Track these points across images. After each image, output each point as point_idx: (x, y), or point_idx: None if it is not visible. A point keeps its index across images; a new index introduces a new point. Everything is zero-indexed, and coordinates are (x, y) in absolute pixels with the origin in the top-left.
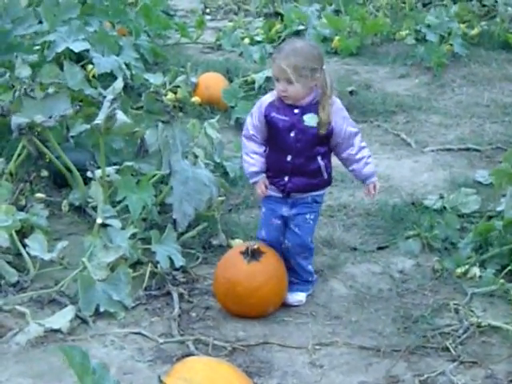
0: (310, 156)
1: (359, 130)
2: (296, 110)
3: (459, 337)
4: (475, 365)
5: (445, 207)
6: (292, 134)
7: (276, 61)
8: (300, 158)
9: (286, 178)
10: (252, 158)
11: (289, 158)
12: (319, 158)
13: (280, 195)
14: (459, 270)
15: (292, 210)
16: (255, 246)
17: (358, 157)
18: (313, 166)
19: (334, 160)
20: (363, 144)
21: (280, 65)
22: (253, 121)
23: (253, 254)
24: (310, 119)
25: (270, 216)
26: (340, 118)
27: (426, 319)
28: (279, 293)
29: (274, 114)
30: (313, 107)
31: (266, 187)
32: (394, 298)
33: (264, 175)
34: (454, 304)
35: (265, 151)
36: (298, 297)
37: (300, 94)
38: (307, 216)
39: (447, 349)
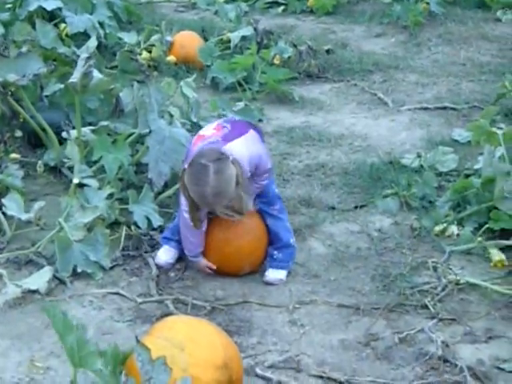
0: None
1: None
2: None
3: (438, 294)
4: (454, 322)
5: (422, 166)
6: None
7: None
8: None
9: None
10: (198, 239)
11: None
12: None
13: None
14: (437, 229)
15: None
16: None
17: None
18: None
19: (310, 119)
20: None
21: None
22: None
23: None
24: None
25: None
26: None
27: (405, 277)
28: (256, 253)
29: None
30: None
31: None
32: (373, 256)
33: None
34: (433, 262)
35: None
36: (278, 275)
37: (248, 204)
38: None
39: (426, 306)
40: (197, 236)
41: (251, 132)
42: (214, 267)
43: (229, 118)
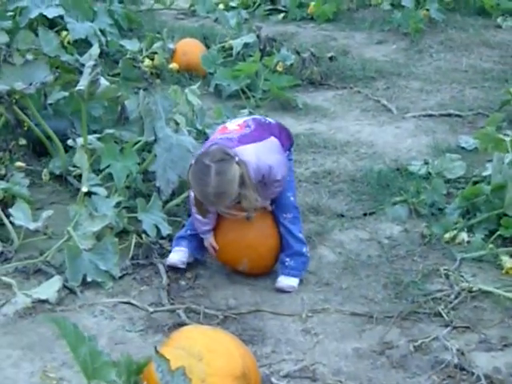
0: None
1: None
2: None
3: (451, 302)
4: (468, 330)
5: (430, 173)
6: None
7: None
8: None
9: None
10: (207, 217)
11: None
12: None
13: None
14: (447, 236)
15: None
16: None
17: None
18: None
19: (314, 126)
20: None
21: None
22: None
23: None
24: None
25: None
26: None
27: (417, 285)
28: (258, 249)
29: None
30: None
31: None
32: (384, 264)
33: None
34: (444, 269)
35: None
36: (290, 282)
37: (252, 197)
38: None
39: (439, 314)
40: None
41: (271, 140)
42: (217, 247)
43: (259, 118)
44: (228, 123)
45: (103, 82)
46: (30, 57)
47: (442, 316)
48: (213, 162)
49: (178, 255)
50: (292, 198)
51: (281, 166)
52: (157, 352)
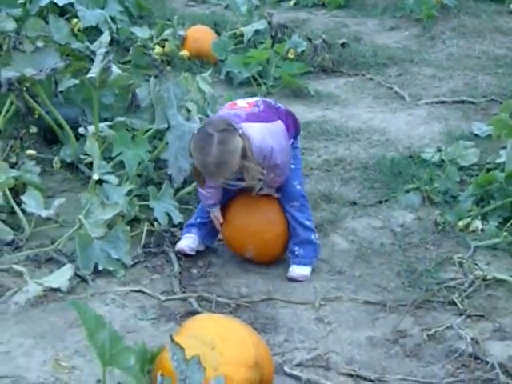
0: None
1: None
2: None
3: (465, 290)
4: (482, 318)
5: (443, 160)
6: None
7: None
8: None
9: None
10: (208, 191)
11: None
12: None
13: None
14: (461, 223)
15: None
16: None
17: None
18: None
19: (326, 113)
20: None
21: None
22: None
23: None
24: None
25: None
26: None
27: (431, 273)
28: (263, 235)
29: None
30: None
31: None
32: (397, 252)
33: (219, 206)
34: (458, 257)
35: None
36: (302, 271)
37: (255, 171)
38: None
39: (453, 302)
40: (208, 191)
41: (277, 123)
42: (221, 220)
43: (269, 101)
44: (238, 100)
45: (115, 69)
46: (40, 44)
47: (456, 304)
48: (215, 131)
49: (187, 241)
50: (299, 187)
51: (283, 151)
52: (172, 341)
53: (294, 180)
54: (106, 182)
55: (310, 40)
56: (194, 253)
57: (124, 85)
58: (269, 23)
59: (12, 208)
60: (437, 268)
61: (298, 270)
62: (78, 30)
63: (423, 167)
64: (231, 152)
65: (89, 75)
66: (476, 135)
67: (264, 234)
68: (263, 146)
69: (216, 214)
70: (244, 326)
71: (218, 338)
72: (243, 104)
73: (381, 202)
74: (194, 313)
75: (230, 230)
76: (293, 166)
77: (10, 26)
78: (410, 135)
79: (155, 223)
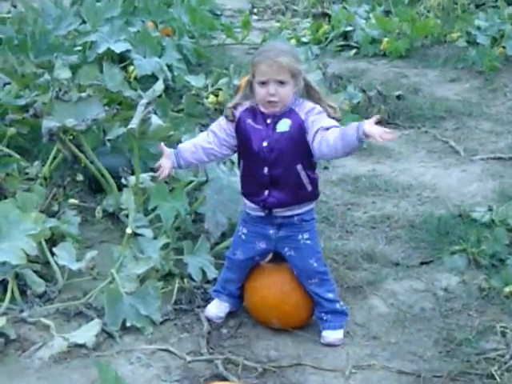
0: (288, 166)
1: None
2: (269, 120)
3: (505, 363)
4: None
5: (493, 220)
6: (265, 144)
7: (267, 61)
8: (277, 168)
9: (266, 193)
10: (193, 146)
11: (265, 170)
12: (299, 168)
13: (262, 213)
14: (507, 290)
15: (280, 232)
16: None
17: (329, 125)
18: (293, 177)
19: (377, 167)
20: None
21: (274, 64)
22: (220, 122)
23: (275, 259)
24: (282, 125)
25: (252, 238)
26: (311, 115)
27: (471, 342)
28: (282, 307)
29: (248, 121)
30: (285, 114)
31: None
32: (437, 318)
33: (174, 161)
34: (501, 327)
35: (238, 164)
36: (335, 335)
37: (289, 98)
38: (299, 237)
39: (492, 376)
40: (197, 143)
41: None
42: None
43: None
44: None
45: (155, 120)
46: (85, 94)
47: (495, 378)
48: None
49: (217, 310)
50: (315, 264)
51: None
52: None
53: (310, 258)
54: (142, 235)
55: (364, 91)
56: (221, 320)
57: (163, 136)
58: (323, 74)
59: (47, 259)
60: (478, 337)
61: (332, 336)
62: (135, 78)
63: (472, 227)
64: (298, 57)
65: (129, 126)
66: None
67: (282, 307)
68: (310, 113)
69: (162, 161)
70: None
71: None
72: None
73: (425, 263)
74: (218, 376)
75: (250, 308)
76: (308, 242)
77: (65, 74)
78: (461, 192)
79: (186, 279)
